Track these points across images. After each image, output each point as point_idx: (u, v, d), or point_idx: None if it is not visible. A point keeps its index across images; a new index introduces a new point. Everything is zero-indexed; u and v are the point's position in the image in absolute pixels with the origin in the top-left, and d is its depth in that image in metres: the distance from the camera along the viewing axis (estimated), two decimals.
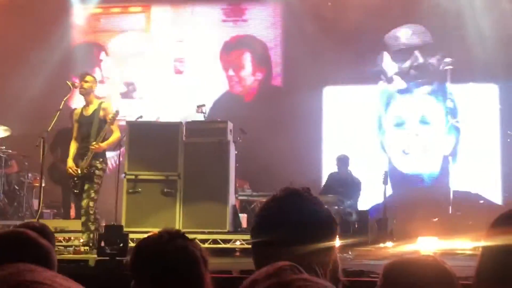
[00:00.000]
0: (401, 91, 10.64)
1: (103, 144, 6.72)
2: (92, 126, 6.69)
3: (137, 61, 11.63)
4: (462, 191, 9.67)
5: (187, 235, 2.18)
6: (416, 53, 10.57)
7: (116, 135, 6.90)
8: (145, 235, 2.26)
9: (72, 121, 7.16)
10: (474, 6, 10.12)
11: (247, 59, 11.42)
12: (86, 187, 6.62)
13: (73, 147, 6.88)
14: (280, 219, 1.61)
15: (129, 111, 11.29)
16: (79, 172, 6.65)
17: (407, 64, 10.63)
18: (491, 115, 10.19)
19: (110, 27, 11.89)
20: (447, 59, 10.28)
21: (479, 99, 10.32)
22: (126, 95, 11.64)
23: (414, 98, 10.56)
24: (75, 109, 7.35)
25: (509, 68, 9.70)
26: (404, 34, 10.76)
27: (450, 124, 10.30)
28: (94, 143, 6.63)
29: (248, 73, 11.36)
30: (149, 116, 11.19)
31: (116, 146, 7.63)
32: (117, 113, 6.81)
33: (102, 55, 11.83)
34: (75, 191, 6.81)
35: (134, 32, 11.77)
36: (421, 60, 10.55)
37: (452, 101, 10.37)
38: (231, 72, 11.39)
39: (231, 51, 11.39)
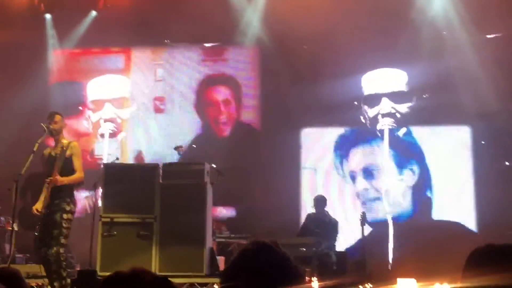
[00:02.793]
0: (371, 136, 10.76)
1: (62, 178, 6.45)
2: (56, 166, 6.45)
3: (117, 100, 11.65)
4: (440, 221, 9.75)
5: None
6: (385, 99, 10.75)
7: (78, 175, 6.61)
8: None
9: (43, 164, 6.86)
10: (447, 48, 10.41)
11: (225, 98, 11.50)
12: (54, 233, 6.34)
13: (44, 190, 6.61)
14: (249, 268, 1.69)
15: (109, 150, 11.28)
16: (40, 211, 6.36)
17: (377, 108, 10.80)
18: (463, 154, 10.39)
19: (90, 66, 11.92)
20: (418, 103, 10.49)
21: (451, 139, 10.53)
22: (106, 134, 11.58)
23: (384, 142, 10.70)
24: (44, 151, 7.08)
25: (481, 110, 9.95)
26: (378, 78, 10.96)
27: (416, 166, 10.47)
28: (51, 177, 6.41)
29: (226, 113, 11.42)
30: (129, 154, 11.23)
31: (77, 186, 7.20)
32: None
33: (83, 94, 11.82)
34: (35, 233, 6.51)
35: (113, 71, 11.81)
36: (391, 106, 10.73)
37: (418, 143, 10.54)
38: (209, 111, 11.44)
39: (209, 88, 11.48)
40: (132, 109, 11.60)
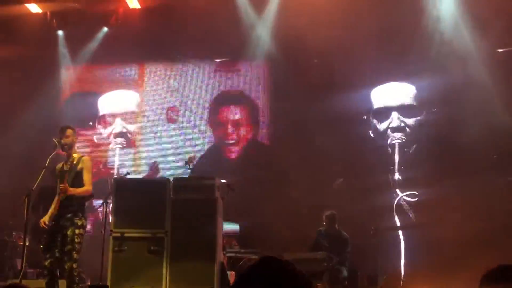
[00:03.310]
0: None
1: (71, 189, 6.49)
2: (68, 180, 6.52)
3: (127, 115, 11.73)
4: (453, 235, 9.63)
5: None
6: (394, 113, 10.72)
7: (86, 187, 6.65)
8: None
9: (55, 179, 6.92)
10: (457, 62, 10.39)
11: (236, 119, 11.52)
12: (67, 248, 6.38)
13: (54, 203, 6.69)
14: (258, 281, 1.67)
15: (122, 161, 11.34)
16: (47, 224, 6.41)
17: (386, 123, 10.78)
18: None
19: (103, 78, 12.01)
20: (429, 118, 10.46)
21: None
22: (117, 148, 11.64)
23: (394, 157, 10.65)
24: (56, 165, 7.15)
25: None
26: (388, 92, 10.95)
27: None
28: (62, 185, 6.44)
29: (235, 134, 11.42)
30: (142, 165, 11.27)
31: (87, 199, 7.22)
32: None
33: (96, 108, 11.91)
34: (41, 246, 6.56)
35: (127, 83, 11.89)
36: (400, 120, 10.70)
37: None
38: (218, 131, 11.46)
39: (221, 107, 11.50)
40: (143, 124, 11.66)
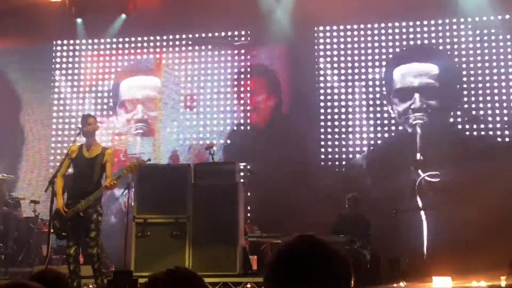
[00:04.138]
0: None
1: (115, 181, 6.62)
2: (95, 170, 6.61)
3: (148, 101, 11.76)
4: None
5: None
6: (417, 94, 10.62)
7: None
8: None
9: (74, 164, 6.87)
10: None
11: (262, 86, 11.44)
12: (92, 234, 6.50)
13: (60, 183, 6.69)
14: (300, 264, 1.59)
15: (142, 149, 11.39)
16: (79, 213, 6.50)
17: (408, 103, 10.67)
18: None
19: (121, 67, 12.03)
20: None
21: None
22: (138, 134, 11.68)
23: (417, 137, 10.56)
24: (71, 145, 7.05)
25: None
26: (411, 72, 10.84)
27: None
28: (109, 180, 6.56)
29: (262, 101, 11.35)
30: (163, 154, 11.32)
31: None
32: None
33: (116, 95, 11.95)
34: (63, 233, 6.62)
35: (145, 71, 11.91)
36: (423, 101, 10.59)
37: None
38: (244, 101, 11.38)
39: (245, 79, 11.44)
40: (162, 111, 11.67)
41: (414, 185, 10.28)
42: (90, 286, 7.25)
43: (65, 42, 12.15)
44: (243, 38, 11.52)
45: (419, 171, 10.34)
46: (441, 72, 10.63)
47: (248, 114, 11.30)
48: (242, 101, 11.37)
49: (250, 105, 11.34)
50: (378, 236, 8.87)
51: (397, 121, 10.73)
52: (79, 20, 11.87)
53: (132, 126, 11.73)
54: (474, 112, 10.34)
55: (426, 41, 10.77)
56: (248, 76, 11.46)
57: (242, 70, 11.50)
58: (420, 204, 10.22)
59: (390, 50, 10.93)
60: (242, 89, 11.43)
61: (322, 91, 11.01)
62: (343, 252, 1.65)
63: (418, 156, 10.41)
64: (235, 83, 11.46)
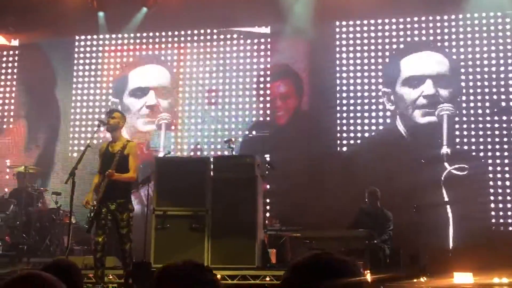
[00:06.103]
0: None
1: (117, 174, 6.61)
2: (113, 162, 6.63)
3: (160, 89, 11.78)
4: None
5: (216, 271, 2.12)
6: (429, 81, 10.48)
7: (131, 174, 6.77)
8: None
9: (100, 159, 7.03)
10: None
11: (287, 88, 11.40)
12: (125, 231, 6.66)
13: (95, 181, 6.87)
14: (312, 284, 1.59)
15: (165, 143, 11.42)
16: (90, 204, 6.66)
17: (420, 89, 10.52)
18: None
19: (143, 61, 12.05)
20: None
21: None
22: (163, 125, 11.69)
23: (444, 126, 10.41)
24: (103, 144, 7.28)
25: None
26: (421, 60, 10.71)
27: None
28: (110, 170, 6.59)
29: (283, 107, 11.31)
30: (184, 147, 11.35)
31: (131, 184, 7.15)
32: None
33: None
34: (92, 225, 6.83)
35: (166, 65, 11.93)
36: (435, 88, 10.44)
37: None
38: (269, 101, 11.34)
39: (268, 83, 11.39)
40: (184, 106, 11.65)
41: (439, 179, 10.10)
42: (110, 276, 7.32)
43: (88, 37, 12.19)
44: (264, 34, 11.49)
45: (446, 164, 10.16)
46: (452, 63, 10.50)
47: (268, 112, 11.27)
48: (261, 98, 11.33)
49: (272, 106, 11.27)
50: (398, 231, 8.80)
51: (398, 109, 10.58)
52: (100, 14, 11.92)
53: (143, 112, 11.67)
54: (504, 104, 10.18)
55: (438, 37, 10.66)
56: (269, 75, 11.38)
57: (262, 66, 11.44)
58: (446, 198, 10.04)
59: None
60: (261, 85, 11.38)
61: (343, 87, 10.93)
62: (359, 271, 1.64)
63: (445, 148, 10.24)
64: (258, 80, 11.42)
